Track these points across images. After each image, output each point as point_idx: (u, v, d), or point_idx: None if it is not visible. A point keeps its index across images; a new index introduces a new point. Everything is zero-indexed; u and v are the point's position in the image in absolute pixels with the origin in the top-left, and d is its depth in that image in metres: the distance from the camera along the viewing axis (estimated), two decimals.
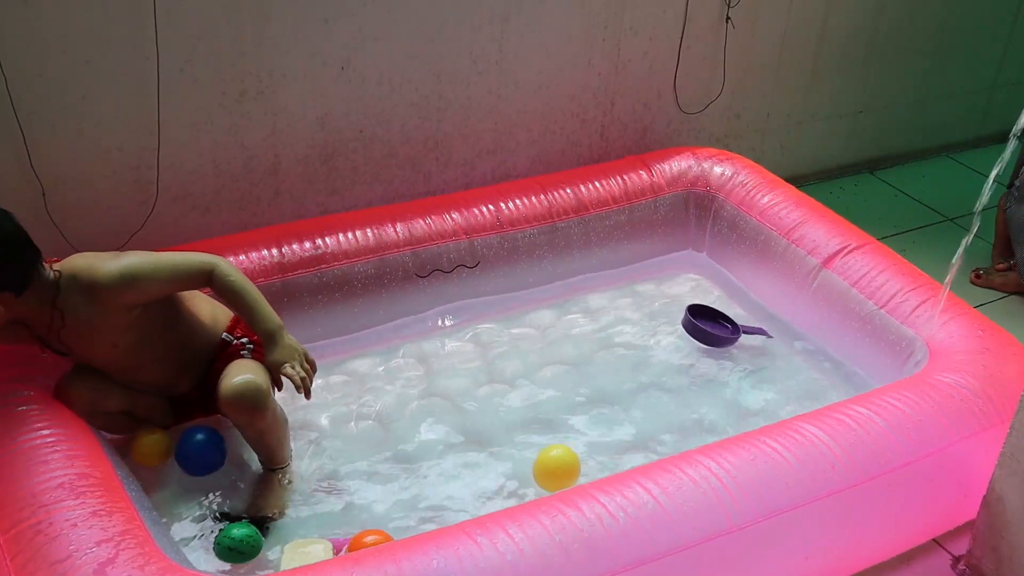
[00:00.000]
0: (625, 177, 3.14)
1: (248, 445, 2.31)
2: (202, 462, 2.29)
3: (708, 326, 2.82)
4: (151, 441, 2.31)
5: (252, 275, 2.45)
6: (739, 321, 2.89)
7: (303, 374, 2.17)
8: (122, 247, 2.68)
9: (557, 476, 2.27)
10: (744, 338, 2.85)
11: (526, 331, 2.88)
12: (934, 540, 2.28)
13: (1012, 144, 2.25)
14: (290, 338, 2.21)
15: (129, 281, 2.12)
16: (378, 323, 2.80)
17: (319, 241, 2.71)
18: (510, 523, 1.78)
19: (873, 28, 3.78)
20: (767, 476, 1.96)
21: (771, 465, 1.98)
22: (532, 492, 2.30)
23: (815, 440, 2.04)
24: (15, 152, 2.52)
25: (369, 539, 2.05)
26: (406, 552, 1.72)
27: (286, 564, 2.04)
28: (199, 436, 2.29)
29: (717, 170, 3.18)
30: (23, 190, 2.57)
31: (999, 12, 4.08)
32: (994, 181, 2.28)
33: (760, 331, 2.88)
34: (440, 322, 2.86)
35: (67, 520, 1.76)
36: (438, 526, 2.07)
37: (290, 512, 2.24)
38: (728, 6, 3.37)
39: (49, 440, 1.94)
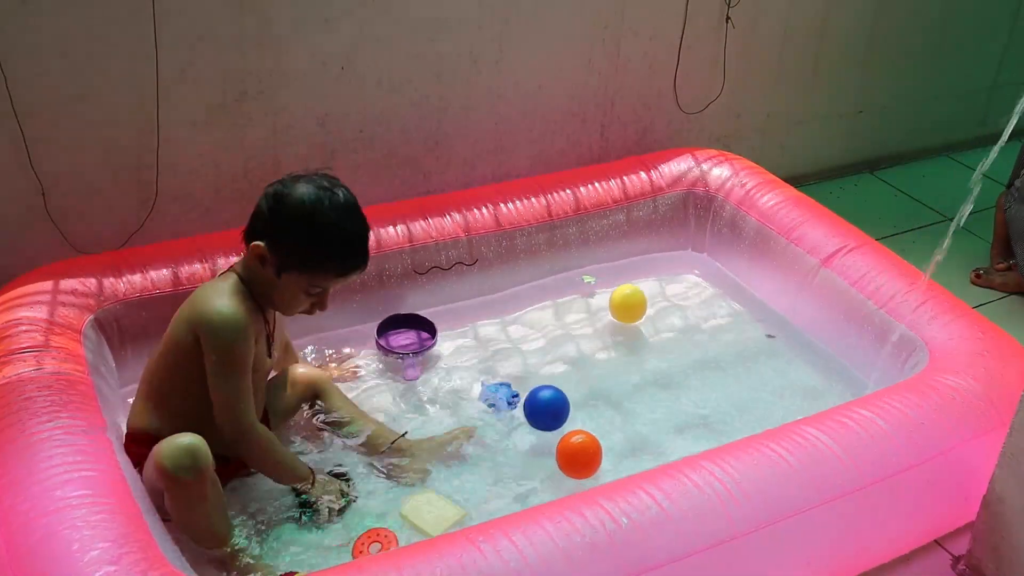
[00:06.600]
0: (625, 178, 3.13)
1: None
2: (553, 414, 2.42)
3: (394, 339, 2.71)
4: None
5: None
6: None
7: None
8: (122, 247, 2.68)
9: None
10: (744, 338, 2.85)
11: (525, 331, 2.88)
12: (935, 540, 2.29)
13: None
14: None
15: None
16: (378, 320, 2.79)
17: None
18: (513, 529, 1.78)
19: (873, 28, 3.78)
20: (771, 480, 1.96)
21: (775, 469, 1.98)
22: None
23: (818, 444, 2.04)
24: (15, 152, 2.51)
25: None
26: (409, 559, 1.71)
27: (410, 513, 2.14)
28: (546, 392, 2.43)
29: (717, 171, 3.18)
30: (23, 190, 2.57)
31: (999, 12, 4.08)
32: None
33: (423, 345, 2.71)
34: (439, 321, 2.86)
35: (70, 520, 1.74)
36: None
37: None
38: (728, 6, 3.36)
39: (54, 438, 1.92)
